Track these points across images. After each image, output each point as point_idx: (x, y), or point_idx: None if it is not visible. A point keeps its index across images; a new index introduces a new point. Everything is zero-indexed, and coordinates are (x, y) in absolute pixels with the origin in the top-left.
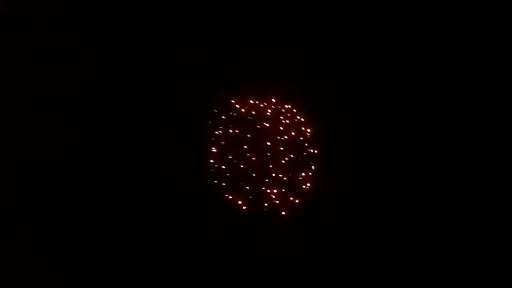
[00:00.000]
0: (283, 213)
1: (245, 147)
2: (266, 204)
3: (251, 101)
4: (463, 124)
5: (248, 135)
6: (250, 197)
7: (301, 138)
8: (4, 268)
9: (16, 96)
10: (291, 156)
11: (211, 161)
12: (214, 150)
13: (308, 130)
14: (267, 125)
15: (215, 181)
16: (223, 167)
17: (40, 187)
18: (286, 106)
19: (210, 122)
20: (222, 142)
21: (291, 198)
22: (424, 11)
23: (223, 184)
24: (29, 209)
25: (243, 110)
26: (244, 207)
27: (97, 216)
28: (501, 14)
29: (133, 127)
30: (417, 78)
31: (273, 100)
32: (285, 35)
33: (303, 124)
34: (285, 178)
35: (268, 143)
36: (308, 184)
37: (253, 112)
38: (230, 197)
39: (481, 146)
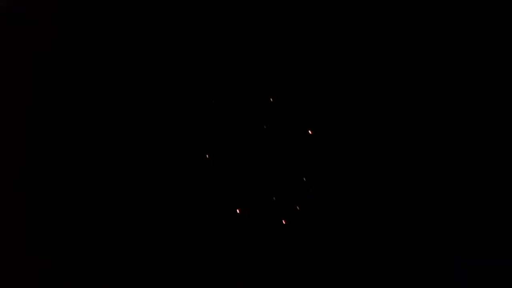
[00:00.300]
0: (283, 221)
1: (243, 148)
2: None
3: (250, 102)
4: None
5: (246, 136)
6: (249, 201)
7: (302, 140)
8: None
9: (16, 95)
10: (291, 159)
11: (206, 163)
12: (208, 152)
13: (310, 132)
14: (265, 127)
15: (211, 185)
16: (218, 169)
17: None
18: (286, 107)
19: (208, 122)
20: (218, 143)
21: (292, 203)
22: (423, 11)
23: (220, 187)
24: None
25: (241, 110)
26: (242, 212)
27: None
28: (501, 14)
29: (131, 127)
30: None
31: (272, 100)
32: (285, 35)
33: (304, 125)
34: (285, 182)
35: (268, 145)
36: (309, 189)
37: (252, 113)
38: (227, 200)
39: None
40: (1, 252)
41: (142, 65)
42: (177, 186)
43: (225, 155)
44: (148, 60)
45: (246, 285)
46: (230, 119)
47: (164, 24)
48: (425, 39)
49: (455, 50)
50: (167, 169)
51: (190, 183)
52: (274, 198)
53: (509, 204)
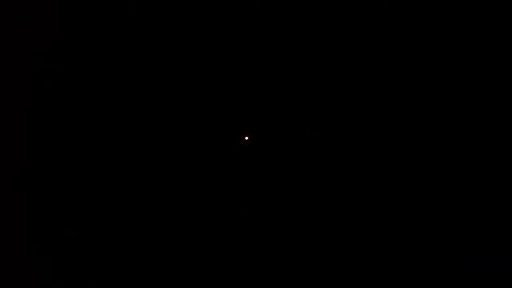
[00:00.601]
0: (284, 221)
1: (244, 148)
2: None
3: (250, 102)
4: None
5: (247, 136)
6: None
7: (302, 139)
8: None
9: (16, 96)
10: (292, 157)
11: (208, 161)
12: (210, 152)
13: (310, 130)
14: (267, 125)
15: (213, 184)
16: (220, 168)
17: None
18: (286, 107)
19: (207, 122)
20: (218, 143)
21: (292, 201)
22: (423, 11)
23: (221, 186)
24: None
25: (241, 110)
26: (244, 210)
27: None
28: (501, 14)
29: (131, 127)
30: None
31: (272, 99)
32: (285, 35)
33: (304, 125)
34: (285, 180)
35: (268, 144)
36: (309, 189)
37: (252, 113)
38: (229, 199)
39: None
40: (1, 252)
41: (142, 65)
42: (177, 186)
43: (225, 155)
44: (148, 60)
45: (246, 285)
46: (230, 119)
47: (164, 24)
48: (425, 39)
49: (455, 50)
50: (167, 169)
51: (190, 183)
52: (274, 198)
53: (509, 204)
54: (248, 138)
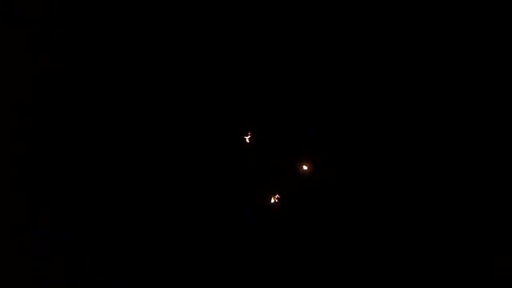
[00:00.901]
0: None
1: (244, 147)
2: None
3: (250, 101)
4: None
5: (247, 136)
6: (249, 196)
7: (302, 140)
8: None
9: (16, 96)
10: (291, 155)
11: (209, 160)
12: (210, 151)
13: (308, 129)
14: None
15: (213, 181)
16: (221, 166)
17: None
18: (286, 105)
19: (208, 122)
20: (218, 143)
21: (290, 196)
22: (423, 11)
23: (221, 186)
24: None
25: (241, 109)
26: (243, 206)
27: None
28: (501, 14)
29: (131, 127)
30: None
31: (272, 99)
32: (285, 35)
33: (303, 124)
34: (283, 177)
35: (267, 143)
36: (307, 183)
37: (252, 113)
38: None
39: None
40: (1, 252)
41: (142, 65)
42: (177, 186)
43: (225, 155)
44: (148, 60)
45: (246, 285)
46: (230, 119)
47: (164, 24)
48: (425, 39)
49: (455, 50)
50: (166, 169)
51: (190, 183)
52: (274, 198)
53: (509, 204)
54: (248, 138)
